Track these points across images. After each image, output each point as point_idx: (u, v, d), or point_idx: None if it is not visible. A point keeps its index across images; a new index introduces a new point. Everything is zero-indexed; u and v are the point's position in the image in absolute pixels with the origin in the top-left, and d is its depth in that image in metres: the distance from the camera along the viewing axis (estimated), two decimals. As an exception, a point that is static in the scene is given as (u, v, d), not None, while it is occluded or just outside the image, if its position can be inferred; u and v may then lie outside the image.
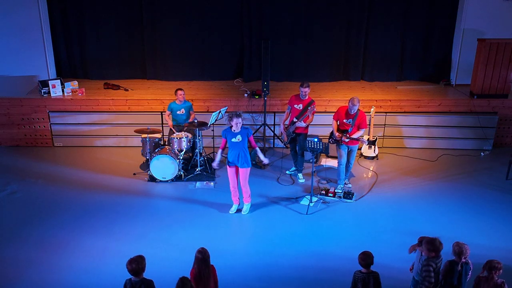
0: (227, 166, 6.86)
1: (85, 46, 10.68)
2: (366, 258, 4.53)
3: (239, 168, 6.80)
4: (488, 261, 4.49)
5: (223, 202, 7.27)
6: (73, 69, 10.92)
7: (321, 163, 8.84)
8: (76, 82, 9.79)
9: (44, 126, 9.47)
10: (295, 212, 7.10)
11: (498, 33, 9.60)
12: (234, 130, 6.61)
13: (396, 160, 9.00)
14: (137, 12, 10.42)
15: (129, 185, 7.95)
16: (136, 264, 4.27)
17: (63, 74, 10.59)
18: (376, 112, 9.03)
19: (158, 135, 8.40)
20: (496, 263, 4.44)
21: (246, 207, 7.09)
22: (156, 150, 8.00)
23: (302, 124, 7.72)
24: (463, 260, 4.55)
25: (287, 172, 8.42)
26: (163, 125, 9.35)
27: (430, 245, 4.46)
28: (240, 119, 6.54)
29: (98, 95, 9.68)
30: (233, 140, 6.65)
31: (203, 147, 8.45)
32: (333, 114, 7.66)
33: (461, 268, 4.56)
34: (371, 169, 8.67)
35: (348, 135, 7.37)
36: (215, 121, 8.35)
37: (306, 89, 7.70)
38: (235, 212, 7.07)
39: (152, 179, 8.02)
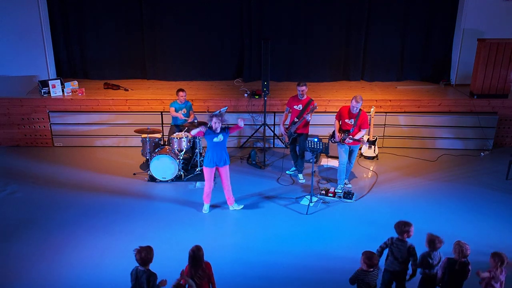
0: (206, 167, 6.80)
1: (85, 46, 10.68)
2: (371, 258, 4.52)
3: (221, 167, 6.83)
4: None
5: (222, 202, 7.26)
6: (73, 69, 10.92)
7: (321, 163, 8.84)
8: (76, 82, 9.80)
9: (44, 126, 9.47)
10: (295, 212, 7.10)
11: (498, 33, 9.60)
12: (215, 130, 6.60)
13: (396, 160, 9.00)
14: (137, 12, 10.42)
15: (129, 185, 7.95)
16: (145, 254, 4.36)
17: (63, 74, 10.59)
18: (376, 112, 9.02)
19: (158, 135, 8.40)
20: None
21: (235, 204, 7.18)
22: (156, 150, 8.01)
23: (308, 117, 7.70)
24: (463, 259, 4.55)
25: (287, 172, 8.41)
26: (163, 125, 9.36)
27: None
28: (220, 119, 6.56)
29: (98, 95, 9.68)
30: (215, 140, 6.65)
31: (203, 147, 8.45)
32: (335, 114, 7.65)
33: (459, 267, 4.56)
34: (371, 169, 8.67)
35: (350, 136, 7.37)
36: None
37: (303, 88, 7.71)
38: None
39: (152, 179, 8.02)
